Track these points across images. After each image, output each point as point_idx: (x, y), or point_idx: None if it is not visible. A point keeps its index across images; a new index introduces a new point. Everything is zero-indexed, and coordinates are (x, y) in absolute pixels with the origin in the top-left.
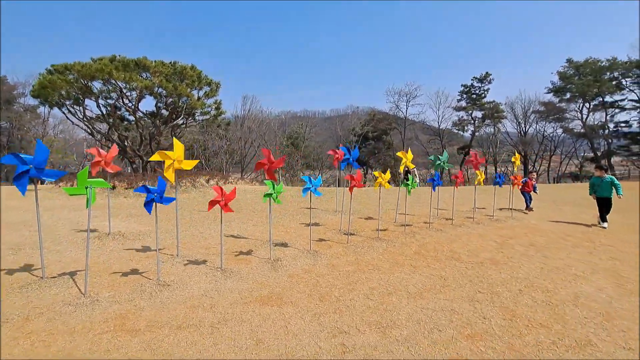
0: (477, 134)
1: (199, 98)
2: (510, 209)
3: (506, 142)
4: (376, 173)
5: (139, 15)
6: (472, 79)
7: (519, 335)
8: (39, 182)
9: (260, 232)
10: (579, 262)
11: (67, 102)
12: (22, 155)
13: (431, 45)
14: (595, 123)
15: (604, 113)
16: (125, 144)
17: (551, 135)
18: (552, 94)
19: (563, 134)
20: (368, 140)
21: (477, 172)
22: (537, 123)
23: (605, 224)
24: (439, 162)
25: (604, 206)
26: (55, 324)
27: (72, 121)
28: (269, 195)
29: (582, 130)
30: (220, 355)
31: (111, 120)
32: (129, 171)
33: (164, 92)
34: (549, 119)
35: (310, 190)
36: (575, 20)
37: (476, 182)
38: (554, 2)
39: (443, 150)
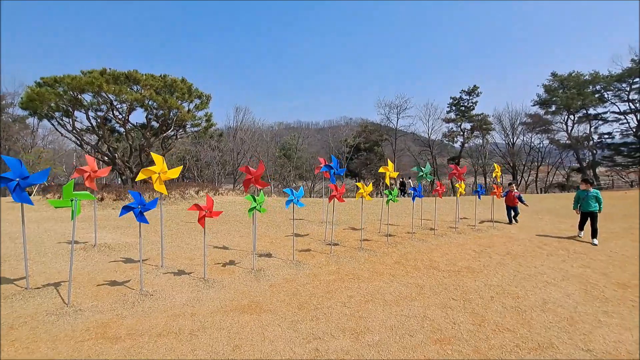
0: (466, 145)
1: (189, 110)
2: (492, 220)
3: (495, 153)
4: (359, 184)
5: (131, 28)
6: (460, 92)
7: (486, 339)
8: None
9: (246, 243)
10: (552, 269)
11: (57, 114)
12: (23, 166)
13: (421, 58)
14: (580, 134)
15: (588, 125)
16: (116, 155)
17: (538, 146)
18: (538, 106)
19: (549, 145)
20: (360, 152)
21: (457, 184)
22: (524, 134)
23: (595, 241)
24: (422, 173)
25: (589, 220)
26: (38, 332)
27: (61, 133)
28: (253, 209)
29: (567, 142)
30: (198, 359)
31: (101, 132)
32: (119, 182)
33: (155, 104)
34: (535, 131)
35: (293, 202)
36: (559, 35)
37: (458, 194)
38: (539, 16)
39: (426, 163)
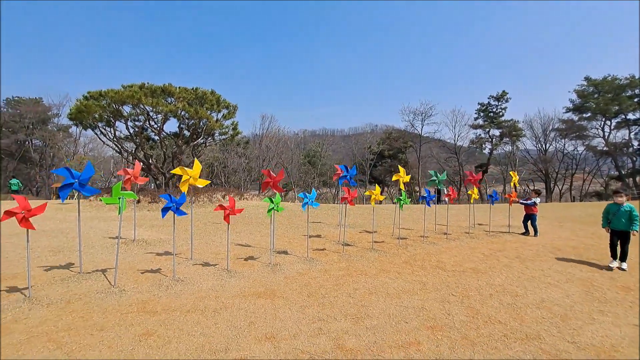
0: (495, 152)
1: (217, 120)
2: (508, 226)
3: (526, 160)
4: (367, 192)
5: (167, 42)
6: (488, 98)
7: (476, 328)
8: (84, 197)
9: (266, 241)
10: (558, 272)
11: (100, 124)
12: (72, 171)
13: (448, 65)
14: (619, 141)
15: (628, 131)
16: (150, 161)
17: (572, 153)
18: (571, 112)
19: (585, 152)
20: (384, 158)
21: (470, 190)
22: (557, 141)
23: (624, 265)
24: (435, 179)
25: (620, 241)
26: (91, 305)
27: (103, 141)
28: (271, 210)
29: (605, 148)
30: (219, 331)
31: (138, 140)
32: (153, 187)
33: (186, 114)
34: (569, 137)
35: (309, 204)
36: (592, 39)
37: (472, 200)
38: (569, 20)
39: (443, 171)
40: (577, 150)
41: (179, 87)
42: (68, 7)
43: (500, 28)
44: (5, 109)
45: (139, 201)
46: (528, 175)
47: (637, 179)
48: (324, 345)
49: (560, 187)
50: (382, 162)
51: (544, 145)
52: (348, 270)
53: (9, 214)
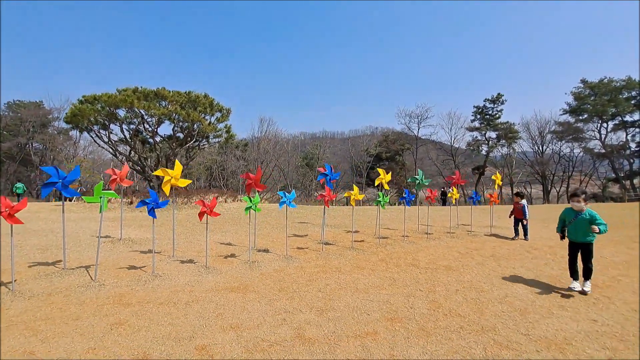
0: (491, 154)
1: (210, 123)
2: (490, 226)
3: (523, 162)
4: (346, 193)
5: (164, 46)
6: (484, 100)
7: (435, 320)
8: (67, 199)
9: (254, 241)
10: (529, 270)
11: (95, 127)
12: (59, 171)
13: (444, 67)
14: (616, 143)
15: (625, 133)
16: (145, 164)
17: (569, 155)
18: (567, 114)
19: (582, 154)
20: (382, 161)
21: (449, 192)
22: (553, 143)
23: (587, 285)
24: (417, 178)
25: (581, 255)
26: (70, 298)
27: (98, 144)
28: (249, 208)
29: (601, 150)
30: (187, 321)
31: (133, 143)
32: (147, 188)
33: (179, 117)
34: (566, 139)
35: (286, 204)
36: (588, 41)
37: (453, 200)
38: (565, 20)
39: (427, 178)
40: (573, 153)
41: (172, 91)
42: (70, 10)
43: (496, 30)
44: (6, 113)
45: (131, 202)
46: (525, 177)
47: (635, 180)
48: (285, 334)
49: (557, 189)
50: (380, 165)
51: (540, 148)
52: (324, 268)
53: None
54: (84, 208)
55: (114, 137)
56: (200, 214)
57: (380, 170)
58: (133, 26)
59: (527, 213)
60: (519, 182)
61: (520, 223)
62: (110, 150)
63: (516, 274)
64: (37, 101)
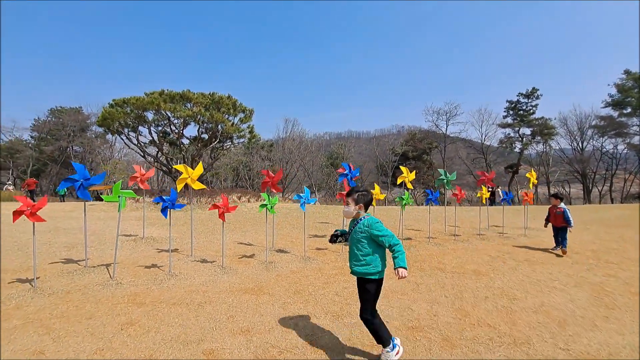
0: (525, 151)
1: (232, 124)
2: (524, 228)
3: (561, 160)
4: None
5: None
6: (517, 95)
7: (460, 331)
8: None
9: (269, 241)
10: (568, 276)
11: (126, 130)
12: (86, 171)
13: (476, 62)
14: None
15: None
16: (171, 165)
17: (612, 151)
18: (610, 107)
19: (626, 151)
20: (408, 160)
21: (479, 191)
22: (594, 139)
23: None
24: (443, 179)
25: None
26: (87, 296)
27: (128, 146)
28: (264, 205)
29: None
30: (198, 323)
31: (160, 144)
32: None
33: (204, 119)
34: (608, 134)
35: (306, 202)
36: (631, 29)
37: (483, 200)
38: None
39: (453, 172)
40: (617, 149)
41: (197, 93)
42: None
43: (528, 23)
44: (49, 118)
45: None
46: (563, 175)
47: None
48: (296, 340)
49: (599, 188)
50: (406, 164)
51: (580, 144)
52: (342, 270)
53: (18, 213)
54: (113, 207)
55: (143, 140)
56: (221, 215)
57: (403, 169)
58: (167, 34)
59: (570, 219)
60: (556, 182)
61: (560, 232)
62: (139, 152)
63: (552, 279)
64: (77, 107)
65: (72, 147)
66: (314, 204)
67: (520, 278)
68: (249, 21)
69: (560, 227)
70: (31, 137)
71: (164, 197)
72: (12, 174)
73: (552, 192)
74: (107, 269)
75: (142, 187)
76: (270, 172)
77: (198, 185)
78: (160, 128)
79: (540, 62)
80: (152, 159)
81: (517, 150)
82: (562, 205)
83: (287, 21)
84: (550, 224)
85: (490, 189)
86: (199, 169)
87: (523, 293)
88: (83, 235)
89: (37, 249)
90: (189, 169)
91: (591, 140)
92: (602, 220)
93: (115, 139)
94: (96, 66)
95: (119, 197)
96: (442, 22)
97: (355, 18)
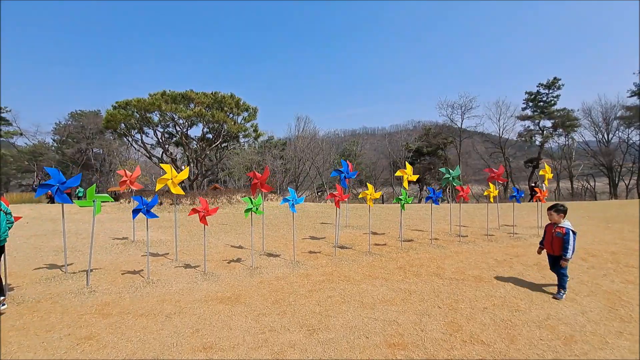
0: (547, 145)
1: (235, 123)
2: (538, 227)
3: (585, 153)
4: (361, 194)
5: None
6: (537, 86)
7: (449, 349)
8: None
9: (261, 244)
10: (581, 283)
11: (133, 132)
12: (61, 176)
13: (493, 52)
14: None
15: None
16: (177, 166)
17: (639, 143)
18: (636, 96)
19: None
20: (422, 156)
21: (490, 186)
22: (620, 130)
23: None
24: (449, 176)
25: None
26: (56, 306)
27: (134, 147)
28: (249, 210)
29: None
30: (159, 338)
31: (166, 145)
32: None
33: (207, 118)
34: (635, 125)
35: (294, 203)
36: None
37: (491, 198)
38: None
39: (456, 166)
40: None
41: (198, 93)
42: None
43: (549, 10)
44: (70, 122)
45: (161, 203)
46: (588, 169)
47: None
48: (261, 359)
49: (626, 182)
50: (421, 160)
51: (605, 136)
52: (331, 276)
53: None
54: (117, 209)
55: (150, 141)
56: (202, 219)
57: (407, 166)
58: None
59: (570, 247)
60: (580, 175)
61: (556, 264)
62: (145, 153)
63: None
64: (96, 110)
65: (92, 150)
66: (301, 202)
67: (527, 286)
68: (267, 23)
69: (558, 256)
70: (53, 140)
71: (137, 208)
72: (37, 177)
73: (550, 204)
74: (86, 275)
75: (135, 188)
76: (257, 173)
77: (177, 190)
78: (165, 129)
79: (561, 52)
80: (157, 160)
81: (537, 143)
82: (567, 223)
83: (303, 23)
84: (543, 250)
85: (532, 184)
86: (184, 173)
87: (527, 303)
88: (75, 239)
89: (26, 253)
90: (174, 171)
91: (617, 132)
92: (627, 218)
93: (131, 140)
94: (119, 70)
95: (93, 201)
96: (462, 11)
97: (377, 16)
